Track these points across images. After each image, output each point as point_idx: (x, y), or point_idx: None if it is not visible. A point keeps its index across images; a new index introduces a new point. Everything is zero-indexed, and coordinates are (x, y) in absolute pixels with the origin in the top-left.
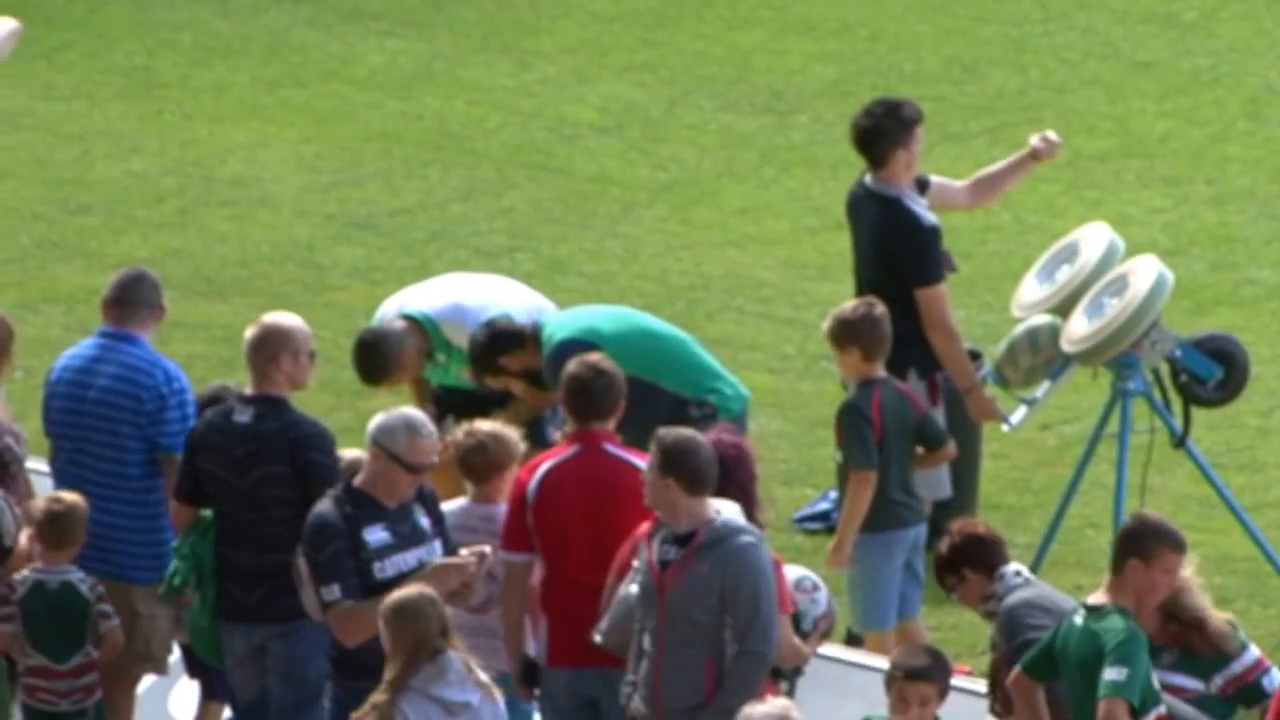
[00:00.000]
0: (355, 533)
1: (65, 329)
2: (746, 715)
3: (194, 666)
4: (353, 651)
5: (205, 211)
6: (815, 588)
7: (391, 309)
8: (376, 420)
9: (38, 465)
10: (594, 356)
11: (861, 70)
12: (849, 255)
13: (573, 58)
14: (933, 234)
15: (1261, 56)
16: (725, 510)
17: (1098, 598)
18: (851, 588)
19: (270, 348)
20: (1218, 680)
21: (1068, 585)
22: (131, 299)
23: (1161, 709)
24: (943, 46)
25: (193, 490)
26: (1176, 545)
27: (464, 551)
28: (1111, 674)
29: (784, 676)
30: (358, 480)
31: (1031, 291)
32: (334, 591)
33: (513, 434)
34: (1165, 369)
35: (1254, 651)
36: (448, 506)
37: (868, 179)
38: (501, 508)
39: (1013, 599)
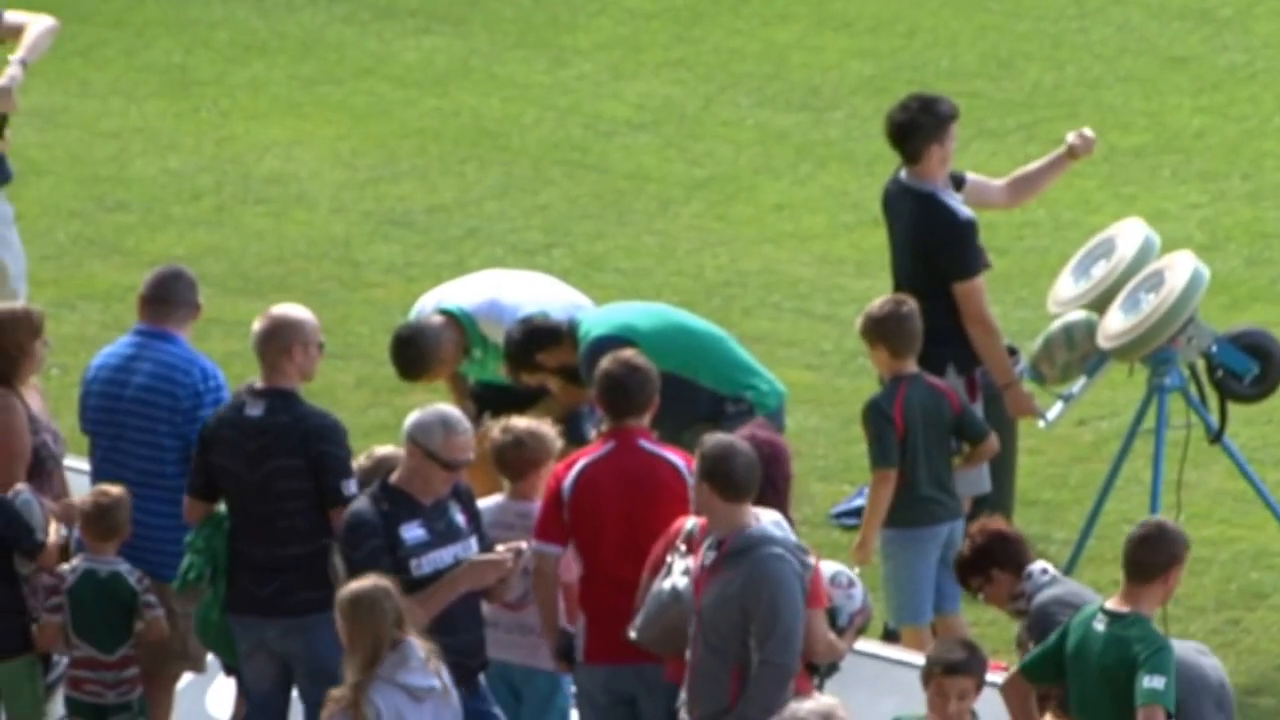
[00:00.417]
0: (392, 530)
1: (102, 326)
2: (793, 711)
3: (230, 665)
4: None
5: (242, 209)
6: (851, 583)
7: (429, 304)
8: (412, 417)
9: (75, 463)
10: (628, 353)
11: (897, 66)
12: (885, 251)
13: (609, 54)
14: (969, 227)
15: None
16: (764, 519)
17: (1120, 604)
18: (885, 583)
19: (282, 339)
20: None
21: (1105, 581)
22: (168, 297)
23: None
24: (978, 42)
25: (205, 485)
26: (1189, 546)
27: (500, 548)
28: (1151, 682)
29: (818, 672)
30: (394, 477)
31: (1067, 287)
32: None
33: (549, 430)
34: (1201, 364)
35: None
36: (484, 503)
37: (903, 174)
38: (537, 504)
39: (1043, 596)
